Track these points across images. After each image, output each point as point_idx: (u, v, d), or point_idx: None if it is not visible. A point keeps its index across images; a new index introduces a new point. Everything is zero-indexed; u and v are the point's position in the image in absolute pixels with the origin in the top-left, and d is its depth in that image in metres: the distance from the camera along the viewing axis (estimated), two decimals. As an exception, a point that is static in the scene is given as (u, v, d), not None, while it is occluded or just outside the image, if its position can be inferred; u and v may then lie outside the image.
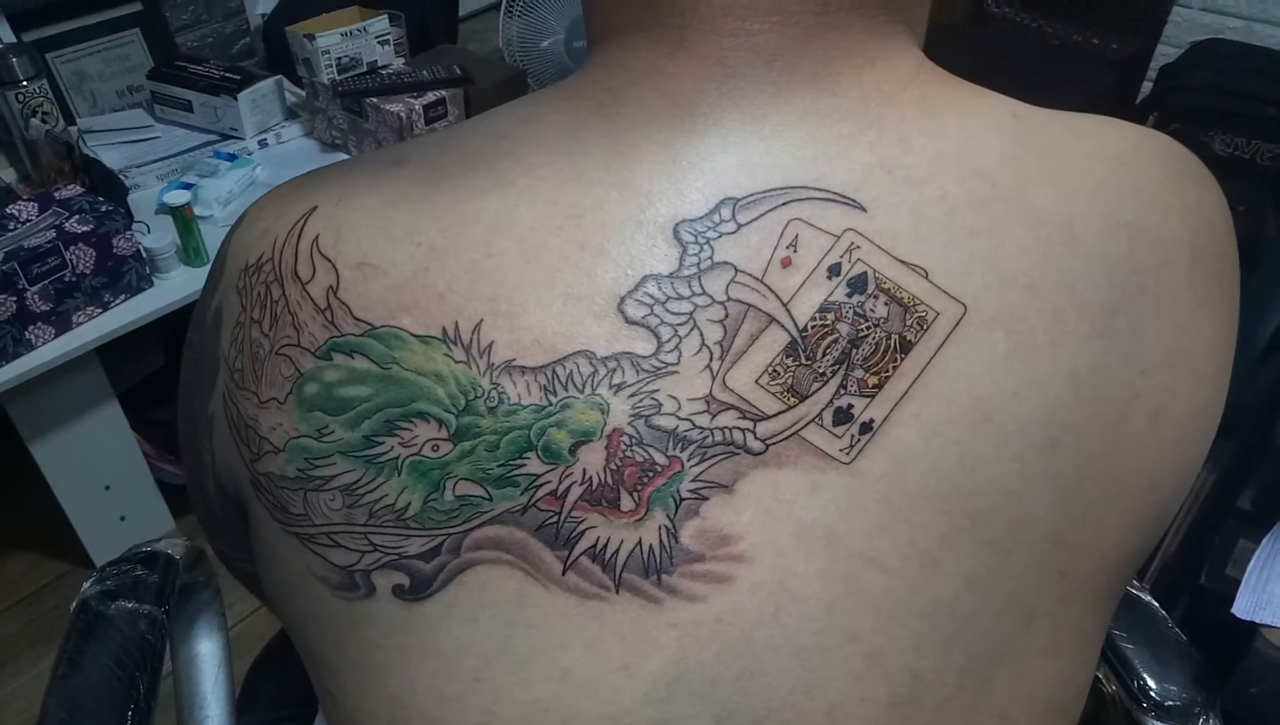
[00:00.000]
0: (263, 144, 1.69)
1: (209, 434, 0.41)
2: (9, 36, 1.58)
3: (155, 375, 1.78)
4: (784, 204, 0.33)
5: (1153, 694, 0.57)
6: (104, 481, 1.50)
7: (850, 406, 0.33)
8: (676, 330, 0.33)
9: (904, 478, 0.33)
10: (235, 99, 1.62)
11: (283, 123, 1.73)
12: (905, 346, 0.33)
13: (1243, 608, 0.61)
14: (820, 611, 0.34)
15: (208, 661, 0.76)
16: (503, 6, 2.33)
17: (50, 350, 1.27)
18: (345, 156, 1.67)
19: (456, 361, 0.33)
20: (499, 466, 0.33)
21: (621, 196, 0.33)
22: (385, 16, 1.63)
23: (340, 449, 0.34)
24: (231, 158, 1.60)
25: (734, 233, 0.33)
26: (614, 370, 0.33)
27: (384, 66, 1.65)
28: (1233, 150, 1.88)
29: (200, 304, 0.42)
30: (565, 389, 0.33)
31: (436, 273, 0.34)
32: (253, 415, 0.37)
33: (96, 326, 1.31)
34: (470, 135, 0.37)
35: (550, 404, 0.33)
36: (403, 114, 1.53)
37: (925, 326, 0.33)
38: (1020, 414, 0.34)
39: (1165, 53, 2.15)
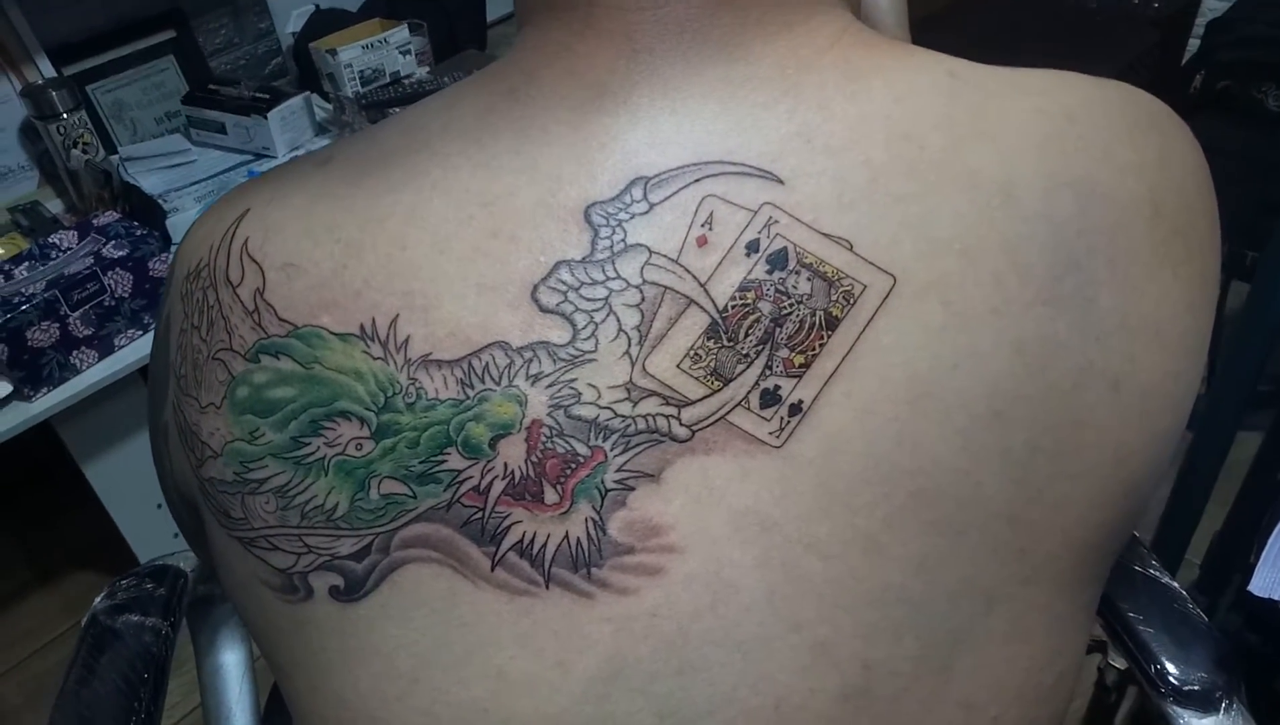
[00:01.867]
0: (295, 161, 1.72)
1: (165, 443, 0.41)
2: (49, 71, 1.64)
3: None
4: (697, 180, 0.32)
5: (1171, 679, 0.55)
6: (156, 499, 1.54)
7: (777, 388, 0.32)
8: (592, 317, 0.32)
9: (839, 459, 0.32)
10: (265, 118, 1.65)
11: (313, 139, 1.76)
12: (831, 323, 0.32)
13: (1260, 584, 0.58)
14: (760, 601, 0.33)
15: (231, 672, 0.77)
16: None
17: (95, 373, 1.31)
18: (374, 168, 1.69)
19: (375, 358, 0.33)
20: (420, 463, 0.33)
21: (531, 181, 0.33)
22: (405, 27, 1.65)
23: (271, 451, 0.34)
24: (264, 176, 1.64)
25: (646, 213, 0.32)
26: (530, 360, 0.32)
27: (407, 76, 1.66)
28: (1287, 105, 1.79)
29: (159, 312, 0.43)
30: (482, 381, 0.32)
31: (354, 269, 0.33)
32: (195, 421, 0.37)
33: (138, 348, 1.34)
34: (391, 129, 0.37)
35: (468, 398, 0.32)
36: (425, 122, 1.54)
37: (852, 301, 0.32)
38: (962, 387, 0.32)
39: (1213, 8, 2.06)
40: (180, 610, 0.64)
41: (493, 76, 0.36)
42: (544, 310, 0.32)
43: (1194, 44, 2.06)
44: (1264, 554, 0.60)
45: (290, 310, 0.34)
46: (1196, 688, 0.55)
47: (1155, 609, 0.57)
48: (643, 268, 0.32)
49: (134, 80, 1.77)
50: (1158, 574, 0.60)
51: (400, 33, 1.63)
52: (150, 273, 1.33)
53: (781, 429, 0.32)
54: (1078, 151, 0.34)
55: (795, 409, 0.32)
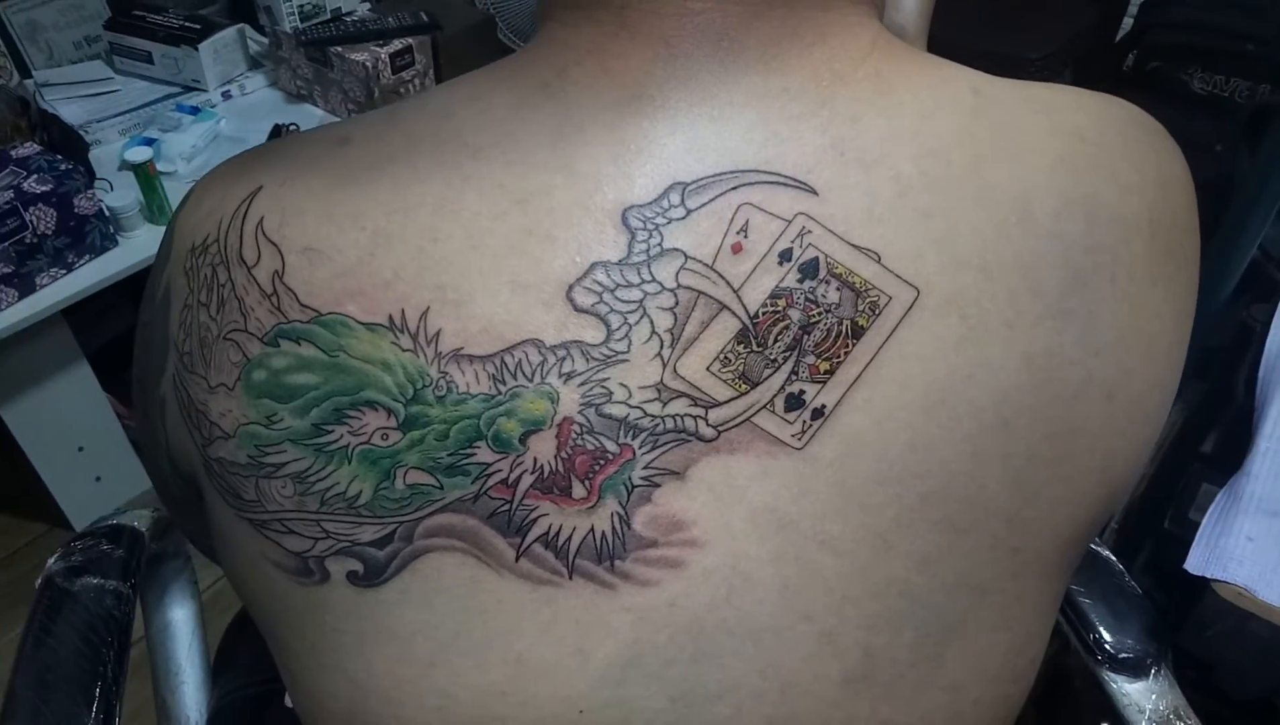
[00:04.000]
0: (226, 96, 1.65)
1: (161, 416, 0.40)
2: (-43, -14, 1.53)
3: (126, 333, 1.76)
4: (734, 188, 0.32)
5: (1108, 647, 0.59)
6: (77, 442, 1.49)
7: (802, 392, 0.33)
8: (626, 318, 0.32)
9: (856, 462, 0.34)
10: (196, 49, 1.58)
11: (246, 73, 1.69)
12: (857, 332, 0.33)
13: (1195, 563, 0.62)
14: (773, 593, 0.34)
15: (181, 629, 0.76)
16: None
17: (14, 313, 1.25)
18: (312, 107, 1.64)
19: (404, 350, 0.33)
20: (449, 455, 0.33)
21: (568, 181, 0.33)
22: (348, -39, 1.58)
23: (290, 437, 0.34)
24: (195, 111, 1.57)
25: (683, 219, 0.32)
26: (563, 358, 0.32)
27: (349, 14, 1.61)
28: (1211, 88, 1.87)
29: (150, 282, 0.41)
30: (514, 378, 0.32)
31: (382, 259, 0.33)
32: (203, 400, 0.36)
33: (61, 288, 1.29)
34: (417, 113, 0.36)
35: (499, 393, 0.32)
36: (369, 63, 1.49)
37: (877, 311, 0.33)
38: (973, 397, 0.34)
39: (1146, -11, 2.12)
40: (139, 572, 0.63)
41: (519, 69, 0.36)
42: (578, 310, 0.32)
43: (1129, 23, 2.12)
44: (1199, 534, 0.65)
45: (313, 296, 0.34)
46: (1129, 655, 0.59)
47: (1095, 581, 0.61)
48: (678, 272, 0.32)
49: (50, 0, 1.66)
50: (1098, 547, 0.64)
51: (342, -33, 1.56)
52: (75, 210, 1.27)
53: (804, 432, 0.33)
54: (1087, 170, 0.35)
55: (818, 413, 0.33)
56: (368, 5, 1.69)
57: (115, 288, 1.34)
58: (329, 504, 0.34)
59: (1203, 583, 0.79)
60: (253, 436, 0.35)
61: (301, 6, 1.54)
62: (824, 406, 0.33)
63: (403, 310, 0.33)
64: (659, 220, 0.32)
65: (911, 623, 0.36)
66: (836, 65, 0.34)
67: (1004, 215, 0.34)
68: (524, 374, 0.32)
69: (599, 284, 0.32)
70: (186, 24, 1.61)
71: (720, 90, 0.33)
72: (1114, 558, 0.63)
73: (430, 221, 0.33)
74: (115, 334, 1.74)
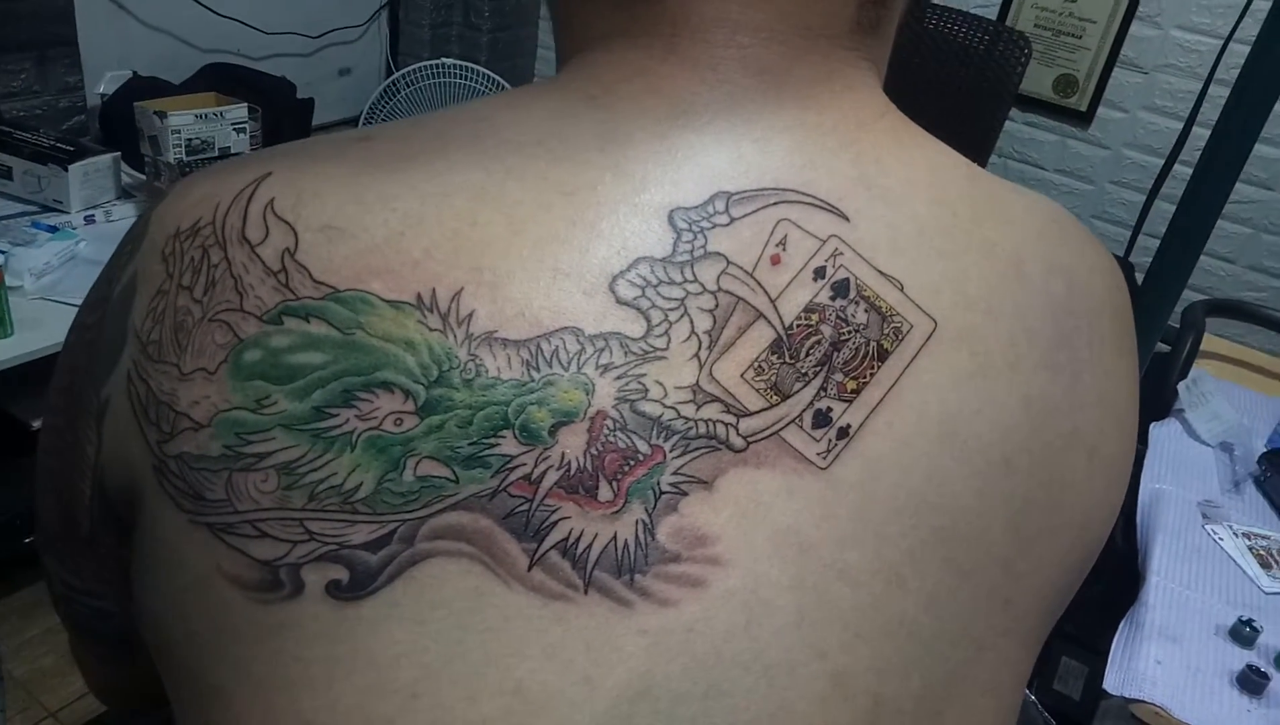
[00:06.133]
0: (89, 220, 1.58)
1: (97, 421, 0.35)
2: None
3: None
4: (774, 204, 0.33)
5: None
6: None
7: (829, 410, 0.33)
8: (667, 315, 0.32)
9: (875, 487, 0.33)
10: (66, 170, 1.51)
11: (115, 201, 1.63)
12: (882, 354, 0.34)
13: (1112, 683, 0.64)
14: (790, 624, 0.32)
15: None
16: (360, 122, 2.33)
17: None
18: (183, 241, 1.58)
19: (431, 329, 0.31)
20: (470, 444, 0.30)
21: (616, 179, 0.33)
22: (245, 106, 1.59)
23: (283, 422, 0.31)
24: (53, 230, 1.48)
25: (727, 225, 0.33)
26: (601, 349, 0.31)
27: (236, 154, 1.59)
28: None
29: (100, 284, 0.38)
30: (549, 365, 0.31)
31: (413, 239, 0.32)
32: (169, 389, 0.32)
33: None
34: (443, 119, 0.36)
35: (532, 380, 0.31)
36: (255, 202, 1.47)
37: (900, 337, 0.34)
38: (981, 432, 0.35)
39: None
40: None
41: (558, 85, 0.36)
42: (620, 302, 0.32)
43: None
44: (1110, 656, 0.67)
45: (330, 273, 0.31)
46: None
47: None
48: (719, 276, 0.32)
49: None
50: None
51: (239, 110, 1.57)
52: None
53: (829, 451, 0.33)
54: (1062, 246, 0.39)
55: (843, 433, 0.33)
56: (255, 148, 1.69)
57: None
58: (319, 499, 0.31)
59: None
60: (234, 423, 0.31)
61: (190, 140, 1.52)
62: (849, 426, 0.33)
63: (433, 289, 0.31)
64: (704, 223, 0.33)
65: (918, 670, 0.34)
66: (862, 113, 0.36)
67: (1003, 268, 0.36)
68: (560, 362, 0.31)
69: (643, 278, 0.32)
70: (59, 144, 1.56)
71: (763, 117, 0.35)
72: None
73: (468, 207, 0.32)
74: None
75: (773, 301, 0.33)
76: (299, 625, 0.31)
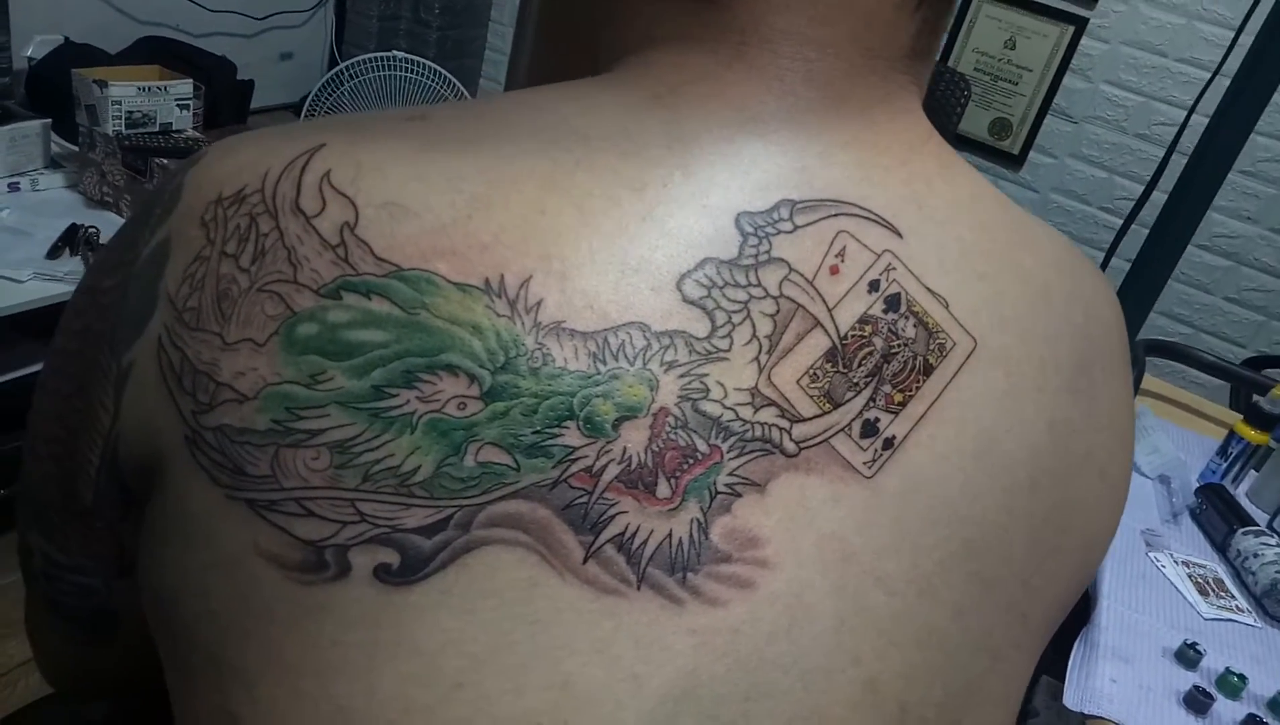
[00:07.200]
0: (14, 187, 1.50)
1: (117, 388, 0.34)
2: None
3: None
4: (835, 215, 0.34)
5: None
6: None
7: (877, 420, 0.34)
8: (730, 317, 0.32)
9: (915, 498, 0.34)
10: (-9, 132, 1.44)
11: (42, 170, 1.55)
12: (928, 369, 0.35)
13: (1072, 700, 0.66)
14: (829, 629, 0.33)
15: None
16: (303, 114, 2.28)
17: None
18: (115, 216, 1.51)
19: (499, 315, 0.30)
20: (533, 433, 0.30)
21: (685, 178, 0.33)
22: (190, 82, 1.54)
23: (338, 399, 0.30)
24: (-27, 194, 1.41)
25: (791, 232, 0.33)
26: (667, 347, 0.31)
27: (178, 131, 1.54)
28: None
29: (118, 247, 0.36)
30: (615, 359, 0.31)
31: (481, 222, 0.31)
32: (209, 359, 0.31)
33: None
34: (505, 104, 0.36)
35: (598, 373, 0.31)
36: (197, 181, 1.42)
37: (944, 353, 0.35)
38: (1011, 451, 0.36)
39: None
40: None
41: (623, 82, 0.36)
42: (686, 301, 0.32)
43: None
44: (1068, 674, 0.69)
45: (394, 251, 0.31)
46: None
47: None
48: (781, 282, 0.33)
49: None
50: None
51: (184, 85, 1.52)
52: None
53: (874, 460, 0.34)
54: (1078, 274, 0.41)
55: (888, 443, 0.34)
56: (196, 130, 1.63)
57: None
58: (373, 479, 0.30)
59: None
60: (284, 398, 0.30)
61: (130, 113, 1.46)
62: (894, 437, 0.34)
63: (502, 275, 0.31)
64: (769, 229, 0.33)
65: (941, 679, 0.35)
66: (913, 135, 0.37)
67: (1033, 292, 0.38)
68: (626, 356, 0.31)
69: (709, 278, 0.32)
70: (-15, 106, 1.48)
71: (825, 131, 0.35)
72: None
73: (537, 194, 0.32)
74: None
75: (830, 311, 0.33)
76: (340, 608, 0.30)
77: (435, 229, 0.31)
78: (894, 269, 0.35)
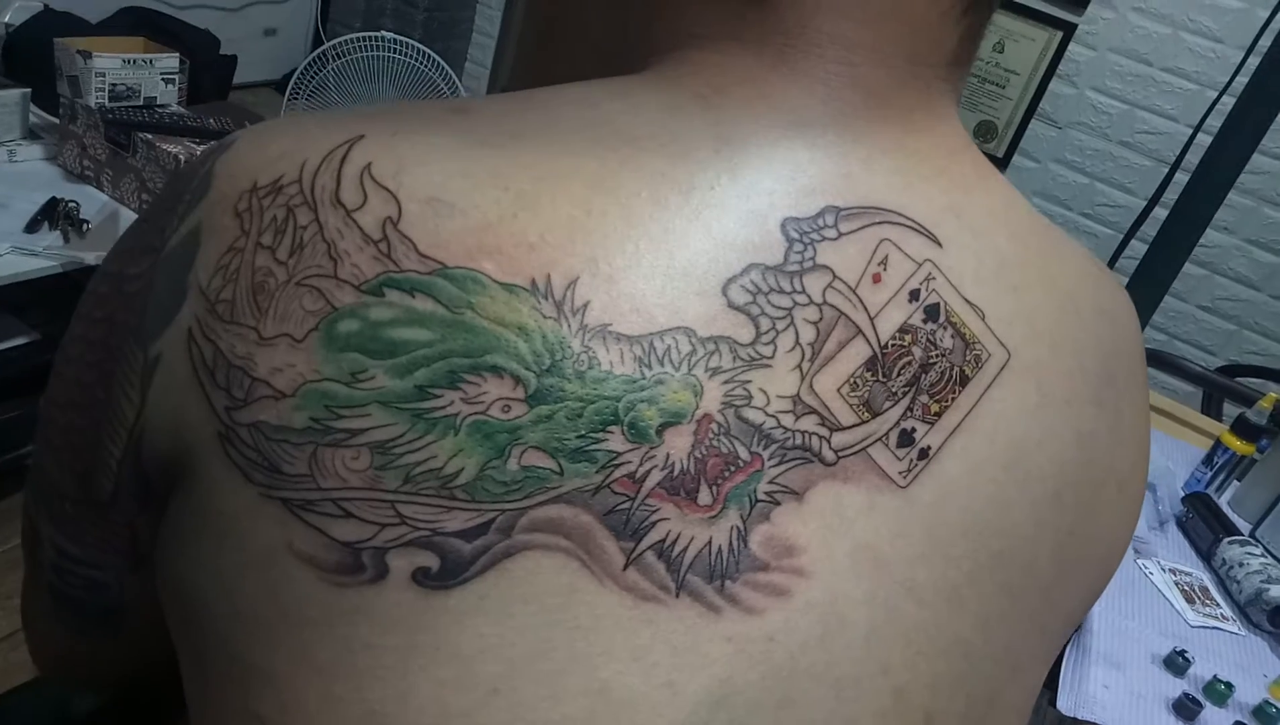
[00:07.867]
0: (-9, 157, 1.47)
1: (144, 380, 0.33)
2: None
3: None
4: (877, 223, 0.34)
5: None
6: None
7: (913, 430, 0.34)
8: (775, 323, 0.32)
9: (947, 509, 0.34)
10: (-31, 100, 1.40)
11: (20, 141, 1.52)
12: (963, 380, 0.35)
13: (1065, 704, 0.67)
14: (861, 638, 0.33)
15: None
16: (287, 92, 2.25)
17: None
18: (95, 191, 1.48)
19: (545, 316, 0.30)
20: (577, 437, 0.30)
21: (732, 181, 0.33)
22: (176, 56, 1.51)
23: (380, 398, 0.29)
24: (-51, 163, 1.37)
25: (835, 240, 0.33)
26: (712, 352, 0.31)
27: (163, 106, 1.51)
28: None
29: (143, 232, 0.35)
30: (661, 364, 0.30)
31: (527, 221, 0.31)
32: (244, 353, 0.30)
33: None
34: (548, 99, 0.35)
35: (643, 377, 0.30)
36: (182, 156, 1.40)
37: (980, 364, 0.35)
38: (1040, 463, 0.36)
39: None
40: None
41: (666, 80, 0.36)
42: (731, 306, 0.31)
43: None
44: (1060, 679, 0.70)
45: (438, 248, 0.30)
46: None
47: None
48: (825, 289, 0.33)
49: None
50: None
51: (170, 60, 1.49)
52: None
53: (909, 470, 0.34)
54: (1102, 286, 0.41)
55: (924, 453, 0.34)
56: (180, 106, 1.60)
57: None
58: (415, 482, 0.29)
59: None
60: (324, 396, 0.30)
61: (114, 86, 1.43)
62: (929, 447, 0.34)
63: (548, 275, 0.30)
64: (814, 236, 0.33)
65: (964, 689, 0.35)
66: (951, 143, 0.37)
67: (1063, 304, 0.38)
68: (671, 361, 0.31)
69: (755, 284, 0.32)
70: (-38, 73, 1.44)
71: (869, 137, 0.35)
72: None
73: (584, 194, 0.31)
74: None
75: (871, 319, 0.33)
76: (376, 612, 0.29)
77: (481, 226, 0.30)
78: (934, 278, 0.35)
